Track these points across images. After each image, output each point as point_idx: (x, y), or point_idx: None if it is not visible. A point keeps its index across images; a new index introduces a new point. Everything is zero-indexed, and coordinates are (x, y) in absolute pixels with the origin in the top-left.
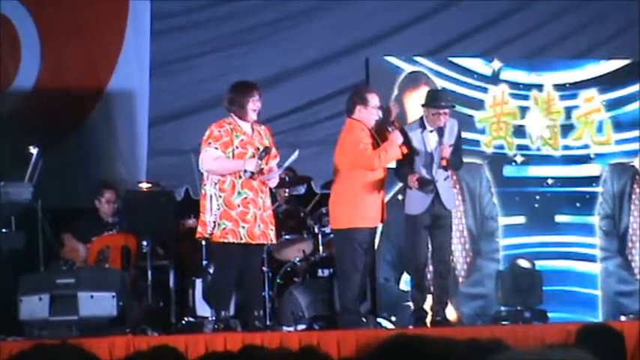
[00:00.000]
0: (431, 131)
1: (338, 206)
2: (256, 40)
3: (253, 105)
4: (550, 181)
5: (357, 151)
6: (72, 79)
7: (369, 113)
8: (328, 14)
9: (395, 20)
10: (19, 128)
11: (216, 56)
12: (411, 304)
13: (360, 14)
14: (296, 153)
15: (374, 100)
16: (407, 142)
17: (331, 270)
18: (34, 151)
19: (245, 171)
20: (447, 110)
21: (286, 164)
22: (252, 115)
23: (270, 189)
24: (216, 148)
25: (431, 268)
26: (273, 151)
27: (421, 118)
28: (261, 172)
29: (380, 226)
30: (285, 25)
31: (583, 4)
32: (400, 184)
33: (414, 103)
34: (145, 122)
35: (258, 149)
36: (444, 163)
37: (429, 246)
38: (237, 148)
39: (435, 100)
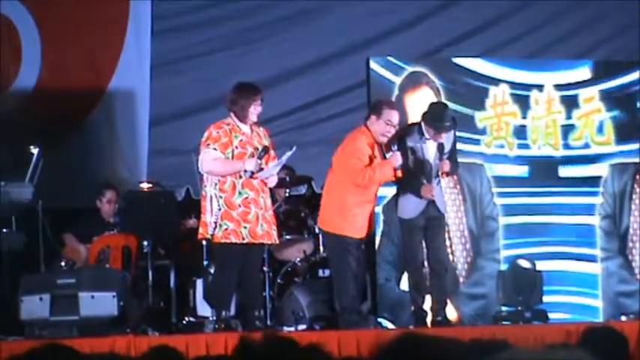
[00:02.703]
0: (428, 139)
1: (328, 209)
2: (257, 40)
3: (255, 109)
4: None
5: (350, 163)
6: (73, 79)
7: (379, 125)
8: (329, 14)
9: (396, 20)
10: (19, 128)
11: (216, 56)
12: (411, 304)
13: (361, 14)
14: (293, 149)
15: (388, 114)
16: (405, 148)
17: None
18: (34, 151)
19: (245, 171)
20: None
21: (283, 159)
22: (253, 119)
23: (270, 189)
24: (215, 149)
25: (429, 268)
26: (272, 153)
27: (419, 124)
28: (261, 171)
29: (376, 235)
30: (285, 26)
31: (583, 4)
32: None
33: (415, 104)
34: (145, 122)
35: (257, 149)
36: (444, 176)
37: (425, 247)
38: (236, 148)
39: (437, 119)
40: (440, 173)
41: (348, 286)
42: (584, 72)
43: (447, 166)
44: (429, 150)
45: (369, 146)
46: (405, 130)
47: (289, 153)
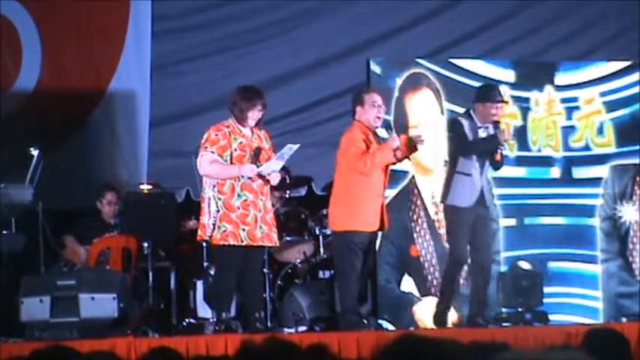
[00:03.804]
0: (479, 127)
1: (336, 208)
2: (257, 41)
3: (253, 114)
4: None
5: (349, 153)
6: (73, 80)
7: (367, 112)
8: (329, 16)
9: (396, 22)
10: (19, 129)
11: (217, 58)
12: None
13: (361, 16)
14: (295, 146)
15: (370, 98)
16: (461, 131)
17: (332, 271)
18: (34, 152)
19: (242, 176)
20: (501, 105)
21: (285, 152)
22: (251, 123)
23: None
24: (213, 152)
25: (472, 269)
26: (273, 157)
27: (468, 114)
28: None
29: (379, 232)
30: (286, 27)
31: (583, 5)
32: (401, 186)
33: (415, 105)
34: (146, 123)
35: None
36: (498, 157)
37: (469, 246)
38: (235, 150)
39: (491, 95)
40: (494, 154)
41: (352, 287)
42: (585, 73)
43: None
44: (481, 135)
45: (363, 133)
46: (456, 120)
47: (294, 147)
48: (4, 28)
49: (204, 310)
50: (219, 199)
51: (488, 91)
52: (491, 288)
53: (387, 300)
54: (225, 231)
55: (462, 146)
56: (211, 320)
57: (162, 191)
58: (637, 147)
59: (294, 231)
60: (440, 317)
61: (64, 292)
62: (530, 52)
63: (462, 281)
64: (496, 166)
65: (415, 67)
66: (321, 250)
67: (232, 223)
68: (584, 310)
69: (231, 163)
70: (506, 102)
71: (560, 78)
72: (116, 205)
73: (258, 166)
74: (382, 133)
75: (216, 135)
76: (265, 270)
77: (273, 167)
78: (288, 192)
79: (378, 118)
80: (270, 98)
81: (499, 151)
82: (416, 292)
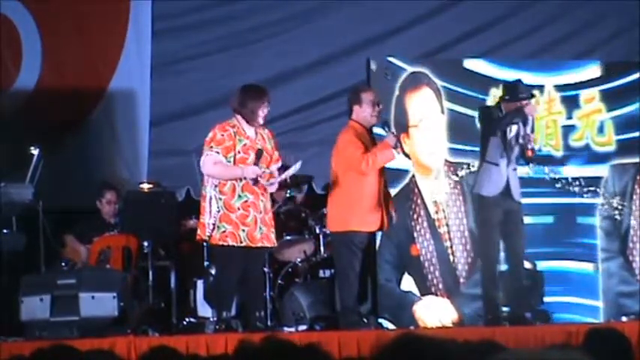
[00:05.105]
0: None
1: (334, 208)
2: (258, 40)
3: (263, 112)
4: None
5: (348, 153)
6: (73, 79)
7: (364, 110)
8: (329, 15)
9: (396, 21)
10: (20, 129)
11: (217, 57)
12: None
13: (361, 15)
14: (298, 164)
15: (367, 97)
16: (491, 115)
17: (332, 271)
18: (35, 151)
19: (245, 177)
20: (528, 101)
21: (287, 174)
22: (261, 121)
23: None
24: (218, 153)
25: (504, 267)
26: (275, 154)
27: (498, 106)
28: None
29: (379, 231)
30: (286, 26)
31: (583, 4)
32: (401, 186)
33: (415, 104)
34: (146, 122)
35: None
36: (529, 153)
37: (503, 245)
38: (239, 152)
39: (516, 93)
40: (525, 150)
41: (352, 286)
42: (585, 72)
43: (532, 140)
44: (512, 130)
45: (360, 133)
46: (487, 107)
47: (295, 168)
48: (5, 28)
49: (204, 309)
50: (220, 199)
51: (512, 90)
52: None
53: (387, 299)
54: (224, 231)
55: (493, 125)
56: (211, 319)
57: (163, 190)
58: (637, 146)
59: (295, 230)
60: (495, 314)
61: (64, 291)
62: (530, 51)
63: (462, 280)
64: (528, 160)
65: (415, 65)
66: (322, 249)
67: (232, 223)
68: (585, 309)
69: (234, 164)
70: (533, 96)
71: (561, 77)
72: (116, 204)
73: (260, 168)
74: (379, 131)
75: (222, 135)
76: (266, 269)
77: (273, 182)
78: (288, 191)
79: (376, 116)
80: (271, 97)
81: (529, 146)
82: (416, 291)
